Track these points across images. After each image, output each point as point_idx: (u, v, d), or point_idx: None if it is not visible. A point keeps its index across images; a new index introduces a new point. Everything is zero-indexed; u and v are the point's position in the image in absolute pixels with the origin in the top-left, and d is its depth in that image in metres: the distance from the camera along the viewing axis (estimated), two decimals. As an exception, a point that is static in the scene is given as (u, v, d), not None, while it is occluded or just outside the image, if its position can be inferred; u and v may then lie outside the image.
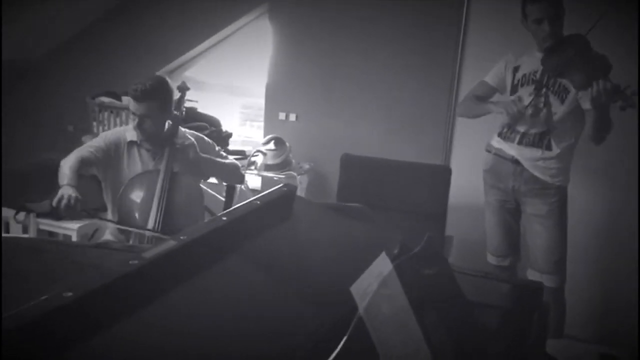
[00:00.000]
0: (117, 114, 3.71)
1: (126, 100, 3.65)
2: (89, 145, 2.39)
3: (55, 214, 2.10)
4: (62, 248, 1.31)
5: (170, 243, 1.02)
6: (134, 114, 2.32)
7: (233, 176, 2.68)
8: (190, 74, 4.42)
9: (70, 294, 0.76)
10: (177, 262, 1.03)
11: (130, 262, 0.87)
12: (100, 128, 3.71)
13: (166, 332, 0.89)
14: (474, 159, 3.07)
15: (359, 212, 1.62)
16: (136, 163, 2.40)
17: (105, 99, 3.75)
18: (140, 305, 0.89)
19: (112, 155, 2.39)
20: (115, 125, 3.68)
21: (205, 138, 2.62)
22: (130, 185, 2.33)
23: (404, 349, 0.75)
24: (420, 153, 3.52)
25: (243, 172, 2.79)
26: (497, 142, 2.78)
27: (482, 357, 1.01)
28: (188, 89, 2.59)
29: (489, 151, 2.83)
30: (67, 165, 2.21)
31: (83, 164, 2.26)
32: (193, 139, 2.52)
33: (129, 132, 2.44)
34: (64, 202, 2.03)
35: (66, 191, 2.07)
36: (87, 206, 2.84)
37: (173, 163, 2.33)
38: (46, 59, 4.39)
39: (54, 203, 2.06)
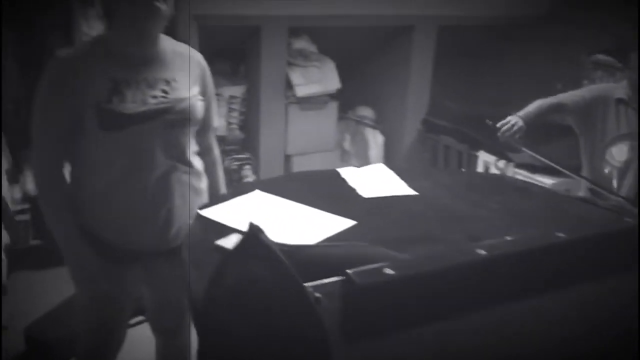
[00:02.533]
0: (612, 74, 3.51)
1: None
2: (573, 94, 2.36)
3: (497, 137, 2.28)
4: (550, 195, 1.36)
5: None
6: None
7: None
8: None
9: (561, 235, 0.79)
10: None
11: (626, 218, 0.83)
12: (590, 88, 3.59)
13: None
14: None
15: None
16: (622, 122, 2.22)
17: (602, 57, 3.58)
18: (620, 268, 0.84)
19: (593, 108, 2.27)
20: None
21: None
22: (610, 143, 2.19)
23: None
24: None
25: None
26: None
27: None
28: None
29: None
30: (537, 103, 2.29)
31: (556, 107, 2.28)
32: None
33: (619, 89, 2.26)
34: (507, 126, 2.15)
35: (514, 119, 2.19)
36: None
37: None
38: (534, 19, 4.45)
39: (499, 125, 2.19)
